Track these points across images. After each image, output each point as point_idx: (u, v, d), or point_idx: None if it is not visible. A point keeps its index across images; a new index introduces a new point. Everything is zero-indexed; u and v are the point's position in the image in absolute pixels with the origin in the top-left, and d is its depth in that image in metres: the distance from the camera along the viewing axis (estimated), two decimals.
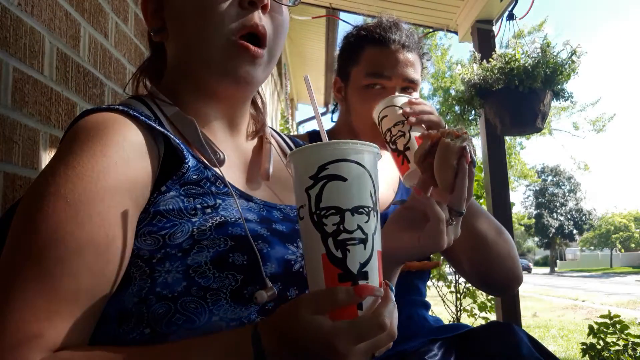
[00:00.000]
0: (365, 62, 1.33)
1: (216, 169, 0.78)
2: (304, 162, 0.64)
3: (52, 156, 0.73)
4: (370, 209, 0.63)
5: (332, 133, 1.48)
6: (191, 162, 0.75)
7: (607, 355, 3.44)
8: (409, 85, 1.31)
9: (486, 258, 1.15)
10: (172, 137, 0.76)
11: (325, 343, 0.57)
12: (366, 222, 0.62)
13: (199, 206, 0.73)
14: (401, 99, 1.21)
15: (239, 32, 0.79)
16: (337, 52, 1.48)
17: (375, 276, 0.62)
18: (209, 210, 0.73)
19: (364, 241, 0.62)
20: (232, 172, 0.84)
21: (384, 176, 1.39)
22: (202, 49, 0.80)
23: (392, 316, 0.61)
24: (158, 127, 0.75)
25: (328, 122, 1.81)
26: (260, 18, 0.81)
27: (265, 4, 0.81)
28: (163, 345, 0.66)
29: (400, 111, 1.17)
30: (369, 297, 0.61)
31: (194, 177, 0.75)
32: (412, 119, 1.15)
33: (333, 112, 1.64)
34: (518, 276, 1.19)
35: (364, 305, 0.61)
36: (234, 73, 0.81)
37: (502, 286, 1.22)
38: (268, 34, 0.82)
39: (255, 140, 0.96)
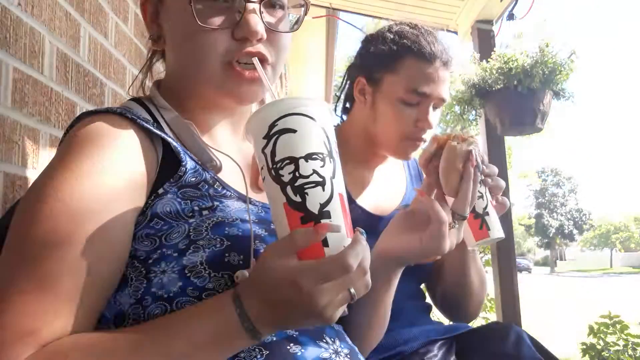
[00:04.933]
0: (406, 74, 1.22)
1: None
2: (256, 127, 0.65)
3: (52, 156, 0.73)
4: (324, 155, 0.63)
5: (341, 132, 1.36)
6: (189, 164, 0.75)
7: (607, 355, 3.44)
8: (440, 105, 1.26)
9: (462, 301, 1.29)
10: (170, 140, 0.75)
11: (290, 282, 0.58)
12: (322, 166, 0.63)
13: (196, 208, 0.72)
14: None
15: (233, 59, 0.78)
16: (359, 48, 1.35)
17: (339, 216, 0.62)
18: (205, 212, 0.72)
19: (321, 184, 0.62)
20: (232, 175, 0.83)
21: (392, 186, 1.37)
22: (199, 71, 0.79)
23: (358, 258, 0.60)
24: (156, 131, 0.75)
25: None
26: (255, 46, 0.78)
27: (261, 38, 0.78)
28: (144, 325, 0.64)
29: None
30: (335, 236, 0.61)
31: (192, 179, 0.75)
32: (489, 180, 1.03)
33: (335, 106, 1.48)
34: (477, 314, 1.37)
35: (330, 243, 0.60)
36: (235, 92, 0.80)
37: (461, 319, 1.37)
38: (267, 56, 0.80)
39: None
